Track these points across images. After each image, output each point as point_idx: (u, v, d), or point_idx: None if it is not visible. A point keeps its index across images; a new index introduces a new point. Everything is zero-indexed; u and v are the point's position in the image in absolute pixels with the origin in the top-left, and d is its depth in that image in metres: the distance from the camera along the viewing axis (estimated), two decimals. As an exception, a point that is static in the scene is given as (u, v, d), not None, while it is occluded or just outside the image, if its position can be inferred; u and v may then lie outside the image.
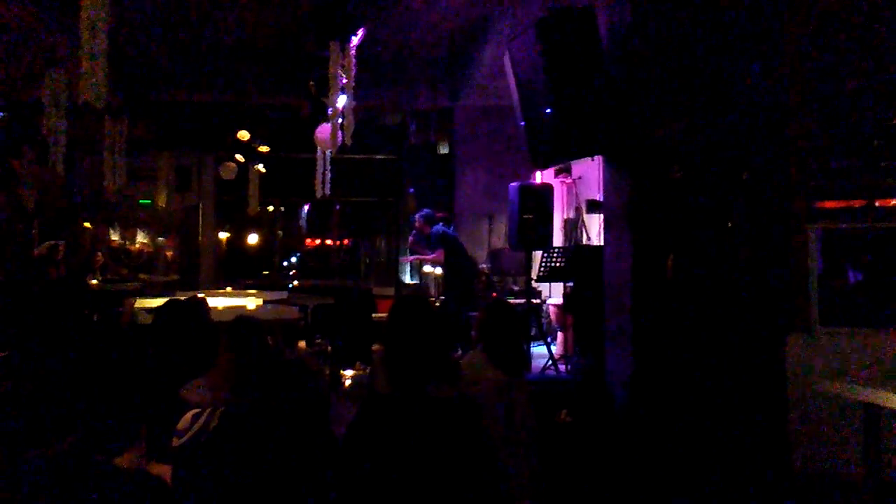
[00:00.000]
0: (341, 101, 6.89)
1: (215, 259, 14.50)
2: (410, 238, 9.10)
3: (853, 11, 5.13)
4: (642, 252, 4.78)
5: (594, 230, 8.30)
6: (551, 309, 8.21)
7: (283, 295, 9.25)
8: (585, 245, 8.37)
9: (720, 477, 4.45)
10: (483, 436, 2.59)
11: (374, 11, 7.77)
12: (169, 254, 16.88)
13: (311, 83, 8.06)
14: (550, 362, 6.60)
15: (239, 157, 12.43)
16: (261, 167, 12.41)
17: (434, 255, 8.31)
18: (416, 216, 8.55)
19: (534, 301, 7.66)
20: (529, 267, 7.37)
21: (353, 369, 4.90)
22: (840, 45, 5.13)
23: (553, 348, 7.02)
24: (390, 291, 11.57)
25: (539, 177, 9.03)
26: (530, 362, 6.75)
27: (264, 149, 12.20)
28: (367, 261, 17.84)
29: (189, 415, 3.09)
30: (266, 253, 18.02)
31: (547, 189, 7.26)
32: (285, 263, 18.16)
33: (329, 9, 6.73)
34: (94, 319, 8.40)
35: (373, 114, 11.90)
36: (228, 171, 12.83)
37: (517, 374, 3.77)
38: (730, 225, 4.77)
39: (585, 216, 8.58)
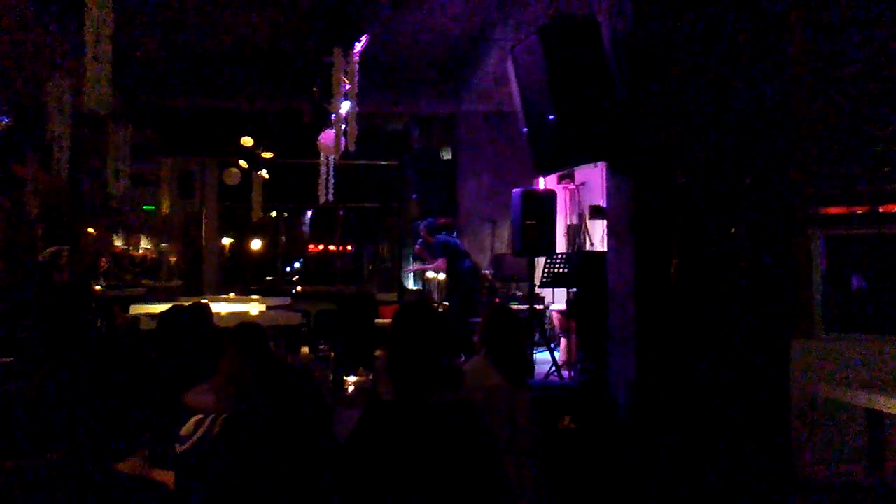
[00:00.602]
0: (344, 106, 6.91)
1: (218, 265, 14.52)
2: (417, 246, 9.11)
3: (857, 15, 5.13)
4: (646, 258, 4.77)
5: (597, 236, 8.30)
6: (554, 315, 8.21)
7: (286, 301, 9.27)
8: (589, 251, 8.37)
9: (723, 482, 4.44)
10: (485, 442, 2.59)
11: (378, 18, 7.79)
12: (172, 259, 16.91)
13: (315, 89, 8.08)
14: (553, 368, 6.59)
15: (242, 162, 12.46)
16: (264, 173, 12.44)
17: (436, 264, 8.32)
18: (420, 227, 8.56)
19: (537, 307, 7.66)
20: (532, 273, 7.37)
21: (356, 375, 4.90)
22: (843, 50, 5.13)
23: (556, 354, 7.02)
24: (393, 297, 11.58)
25: (542, 183, 9.03)
26: (533, 368, 6.75)
27: (268, 155, 12.22)
28: (370, 266, 17.87)
29: (192, 421, 3.09)
30: (269, 259, 18.05)
31: (550, 195, 7.26)
32: (288, 269, 18.19)
33: (333, 15, 6.75)
34: (98, 325, 8.41)
35: (376, 120, 11.92)
36: (232, 176, 12.86)
37: (520, 381, 3.77)
38: (733, 231, 4.77)
39: (588, 222, 8.58)
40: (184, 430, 3.07)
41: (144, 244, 17.52)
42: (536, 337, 7.57)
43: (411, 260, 12.42)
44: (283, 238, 18.49)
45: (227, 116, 11.86)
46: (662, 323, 4.69)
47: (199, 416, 3.09)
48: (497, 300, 8.37)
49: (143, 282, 13.45)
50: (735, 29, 4.82)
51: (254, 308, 7.70)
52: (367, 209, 16.19)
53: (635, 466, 4.54)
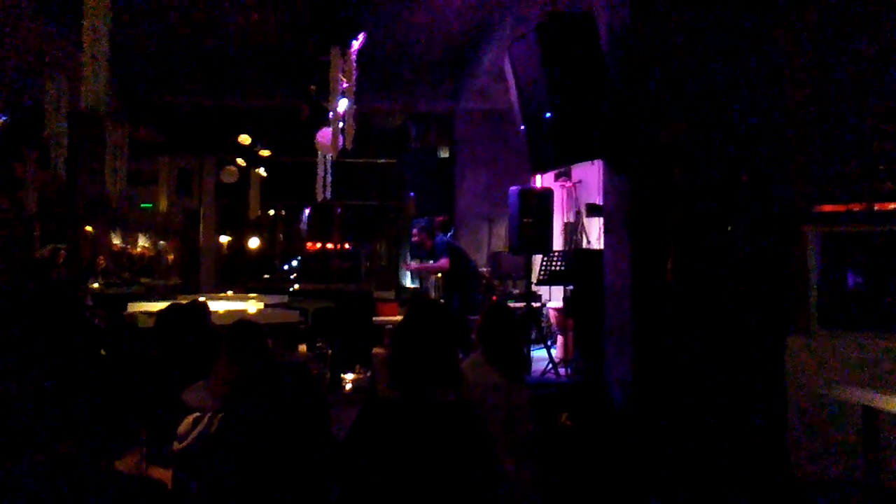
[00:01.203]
0: (342, 104, 6.92)
1: (216, 263, 14.52)
2: (414, 238, 9.06)
3: (854, 13, 5.15)
4: (642, 255, 4.79)
5: (594, 234, 8.31)
6: (551, 312, 8.22)
7: (284, 298, 9.27)
8: (585, 249, 8.38)
9: (719, 480, 4.45)
10: (483, 439, 2.60)
11: (375, 16, 7.79)
12: (170, 257, 16.93)
13: (312, 87, 8.08)
14: (550, 366, 6.60)
15: (240, 160, 12.47)
16: (262, 171, 12.45)
17: (439, 264, 8.32)
18: (415, 229, 8.51)
19: (534, 304, 7.66)
20: (529, 270, 7.37)
21: (354, 373, 4.91)
22: (840, 47, 5.14)
23: (553, 352, 7.03)
24: (391, 295, 11.58)
25: (539, 180, 9.04)
26: (530, 366, 6.76)
27: (265, 153, 12.23)
28: (368, 264, 17.87)
29: (190, 419, 3.10)
30: (267, 256, 18.06)
31: (547, 193, 7.26)
32: (286, 267, 18.20)
33: (330, 13, 6.76)
34: (95, 323, 8.41)
35: (374, 118, 11.92)
36: (229, 174, 12.86)
37: (517, 378, 3.78)
38: (729, 228, 4.78)
39: (585, 220, 8.59)
40: (181, 428, 3.08)
41: (142, 242, 17.53)
42: (533, 334, 7.58)
43: (409, 257, 12.41)
44: (281, 236, 18.51)
45: (225, 115, 11.85)
46: (659, 320, 4.70)
47: (197, 414, 3.10)
48: (494, 298, 8.37)
49: (141, 280, 13.46)
50: (732, 26, 4.83)
51: (252, 306, 7.71)
52: (364, 207, 16.20)
53: (632, 464, 4.56)
